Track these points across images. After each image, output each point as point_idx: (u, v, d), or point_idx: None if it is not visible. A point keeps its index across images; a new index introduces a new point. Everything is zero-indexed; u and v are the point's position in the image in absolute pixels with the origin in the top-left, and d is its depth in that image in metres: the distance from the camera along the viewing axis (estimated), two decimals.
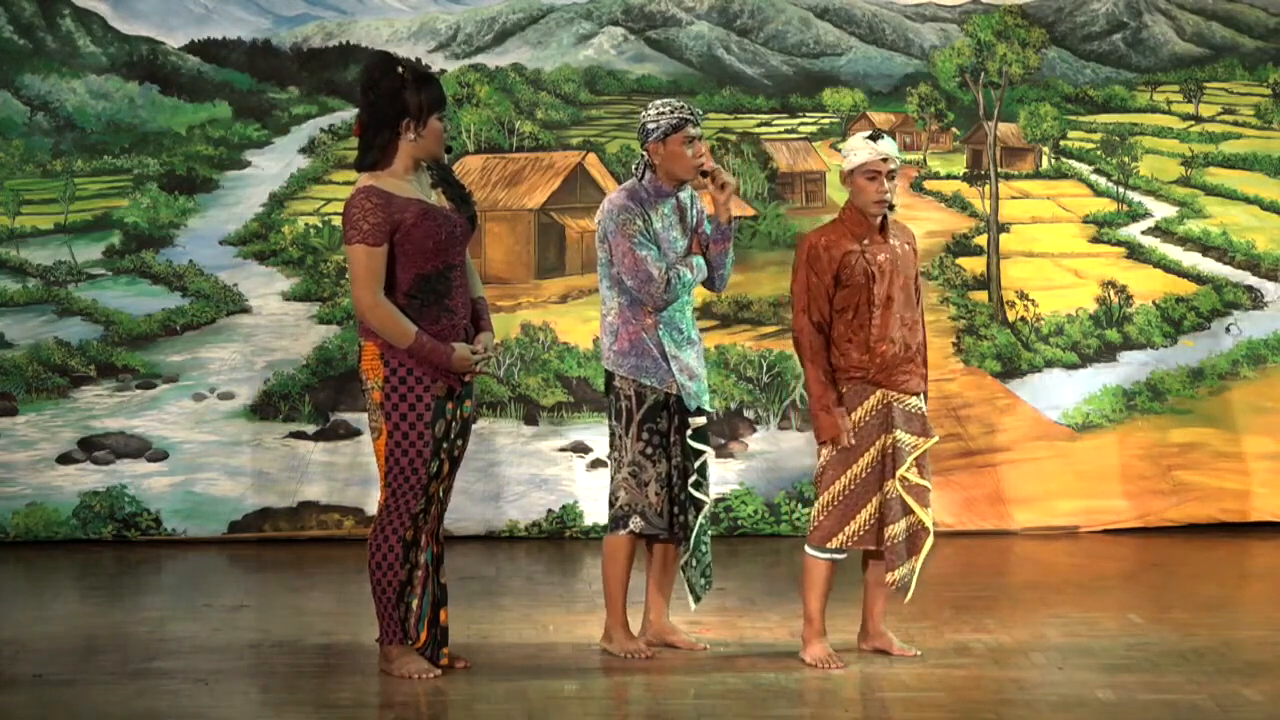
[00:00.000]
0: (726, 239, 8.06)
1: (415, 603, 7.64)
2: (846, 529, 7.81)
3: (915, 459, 7.81)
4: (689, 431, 8.03)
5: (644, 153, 8.00)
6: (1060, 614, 8.93)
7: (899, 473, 7.78)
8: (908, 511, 7.81)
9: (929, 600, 9.10)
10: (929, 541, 7.86)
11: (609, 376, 8.05)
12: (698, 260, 8.02)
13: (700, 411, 8.06)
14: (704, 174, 7.96)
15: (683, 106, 7.97)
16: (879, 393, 7.80)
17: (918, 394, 7.87)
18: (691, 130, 7.93)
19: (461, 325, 7.62)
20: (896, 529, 7.80)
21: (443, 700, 7.38)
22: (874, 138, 7.78)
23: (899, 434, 7.78)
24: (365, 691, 7.48)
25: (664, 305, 7.92)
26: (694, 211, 8.13)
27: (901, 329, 7.80)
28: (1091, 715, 7.11)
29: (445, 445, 7.58)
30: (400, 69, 7.53)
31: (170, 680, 7.66)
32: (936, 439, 7.92)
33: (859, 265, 7.75)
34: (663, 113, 7.94)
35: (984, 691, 7.49)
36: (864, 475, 7.81)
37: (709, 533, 8.20)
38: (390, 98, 7.48)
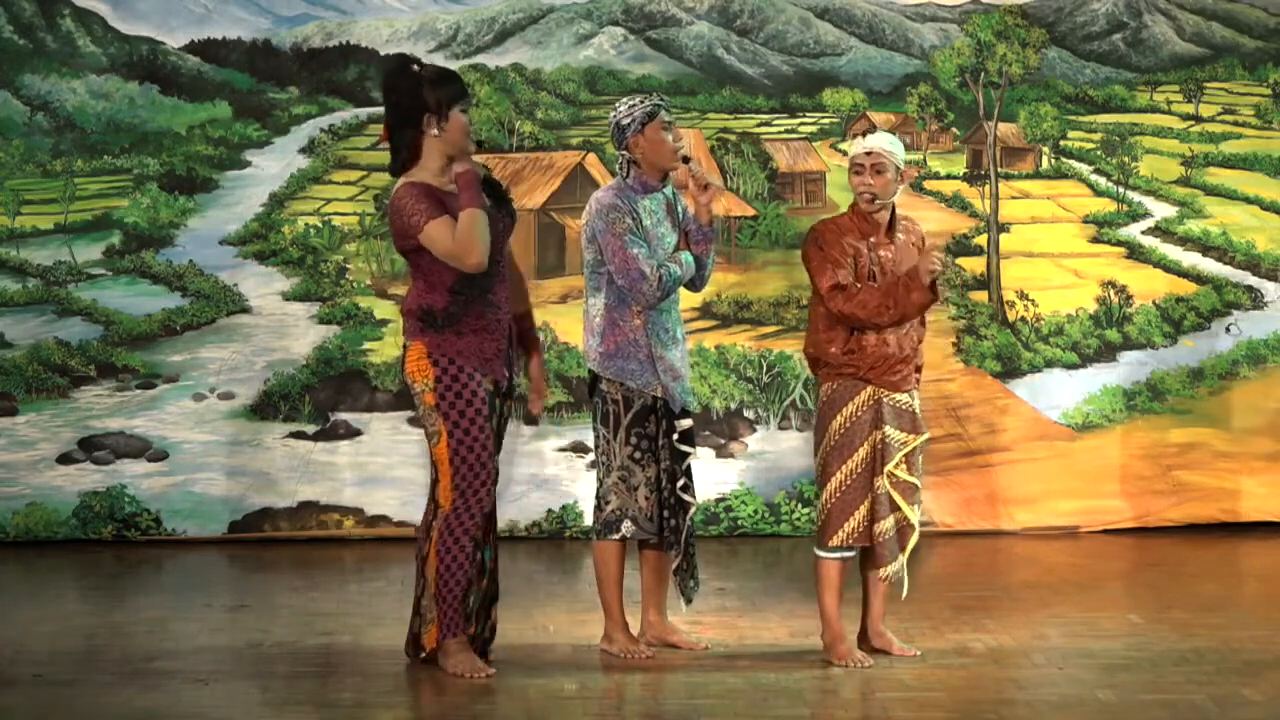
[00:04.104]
0: (709, 240, 8.04)
1: (470, 599, 7.69)
2: (845, 526, 7.83)
3: (905, 455, 7.82)
4: (676, 435, 8.03)
5: (622, 152, 8.00)
6: (1060, 614, 8.93)
7: (887, 468, 7.80)
8: (895, 508, 7.84)
9: (929, 600, 9.10)
10: (914, 537, 7.88)
11: (594, 379, 8.05)
12: (686, 256, 8.00)
13: (685, 413, 8.06)
14: (685, 159, 7.95)
15: (651, 95, 7.99)
16: (869, 389, 7.82)
17: (909, 392, 7.87)
18: (665, 116, 7.94)
19: (506, 319, 7.65)
20: (885, 525, 7.82)
21: (443, 700, 7.38)
22: (868, 133, 7.93)
23: (888, 430, 7.80)
24: (365, 691, 7.48)
25: (655, 303, 7.90)
26: (680, 207, 8.12)
27: (895, 328, 7.81)
28: (1091, 715, 7.11)
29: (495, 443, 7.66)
30: (416, 66, 7.57)
31: (170, 680, 7.66)
32: (926, 436, 7.93)
33: (859, 261, 7.78)
34: (634, 105, 7.95)
35: (984, 691, 7.49)
36: (858, 471, 7.83)
37: (696, 534, 8.22)
38: (409, 95, 7.50)
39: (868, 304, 7.73)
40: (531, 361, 7.93)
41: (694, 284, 8.10)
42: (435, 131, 7.50)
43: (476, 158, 7.65)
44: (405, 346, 7.60)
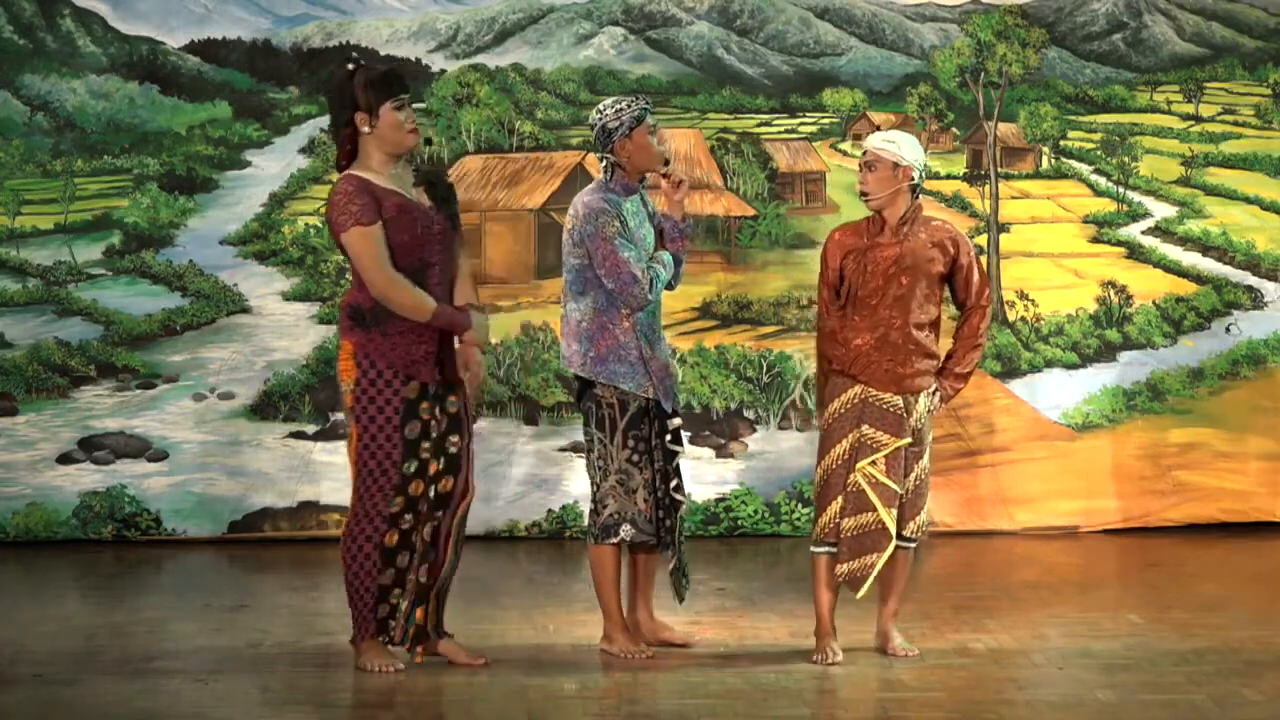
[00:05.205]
0: (685, 237, 8.06)
1: (404, 604, 7.66)
2: (820, 521, 7.86)
3: (884, 456, 7.80)
4: (668, 435, 8.03)
5: (606, 155, 7.98)
6: (1060, 614, 8.93)
7: (859, 465, 7.79)
8: (867, 508, 7.80)
9: (929, 600, 9.10)
10: (890, 546, 7.81)
11: (584, 384, 8.01)
12: (666, 256, 8.00)
13: (674, 412, 8.06)
14: (666, 161, 7.97)
15: (635, 98, 7.99)
16: (857, 387, 7.83)
17: (906, 395, 7.84)
18: (650, 120, 7.96)
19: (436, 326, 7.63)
20: (849, 522, 7.80)
21: (443, 700, 7.38)
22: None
23: (865, 429, 7.80)
24: (365, 691, 7.48)
25: (645, 305, 7.89)
26: (650, 206, 8.13)
27: (885, 327, 7.80)
28: (1091, 715, 7.11)
29: (428, 445, 7.61)
30: (350, 64, 7.62)
31: (170, 680, 7.66)
32: (907, 441, 7.83)
33: (858, 261, 7.81)
34: (621, 109, 7.94)
35: (984, 691, 7.49)
36: (834, 467, 7.85)
37: (687, 533, 8.26)
38: (340, 92, 7.59)
39: (823, 351, 7.95)
40: (464, 352, 7.75)
41: (669, 283, 8.10)
42: (367, 129, 7.54)
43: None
44: (339, 343, 7.64)
